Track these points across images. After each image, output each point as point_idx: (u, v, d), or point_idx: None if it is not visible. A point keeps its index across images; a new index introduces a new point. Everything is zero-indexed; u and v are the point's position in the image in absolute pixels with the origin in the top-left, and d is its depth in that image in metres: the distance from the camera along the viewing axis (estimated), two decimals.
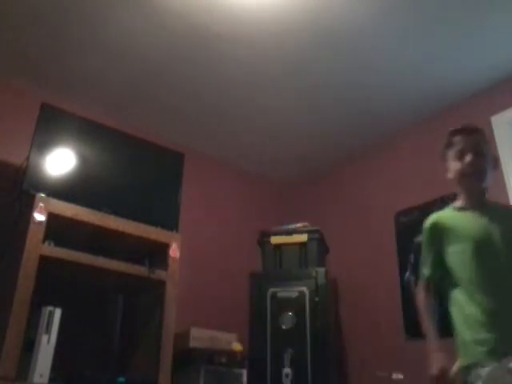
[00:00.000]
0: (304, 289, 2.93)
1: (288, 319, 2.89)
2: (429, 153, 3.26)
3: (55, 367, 2.13)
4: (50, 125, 2.54)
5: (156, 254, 2.64)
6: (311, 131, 3.55)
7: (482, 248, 1.69)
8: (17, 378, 2.00)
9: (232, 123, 3.50)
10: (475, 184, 1.80)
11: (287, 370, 2.75)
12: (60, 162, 2.54)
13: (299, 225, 3.29)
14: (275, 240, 3.23)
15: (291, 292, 2.95)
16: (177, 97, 3.22)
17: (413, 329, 2.95)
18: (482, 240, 1.70)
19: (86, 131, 2.69)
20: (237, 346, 2.92)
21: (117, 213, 2.53)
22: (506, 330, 1.54)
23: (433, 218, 1.86)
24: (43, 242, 2.25)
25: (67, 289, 2.56)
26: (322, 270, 3.01)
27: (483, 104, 3.01)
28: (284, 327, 2.88)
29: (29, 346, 2.10)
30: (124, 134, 2.86)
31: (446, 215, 1.86)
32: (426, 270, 1.85)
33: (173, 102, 3.28)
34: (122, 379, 2.38)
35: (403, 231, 3.22)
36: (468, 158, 1.77)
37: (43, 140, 2.49)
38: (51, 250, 2.27)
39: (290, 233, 3.24)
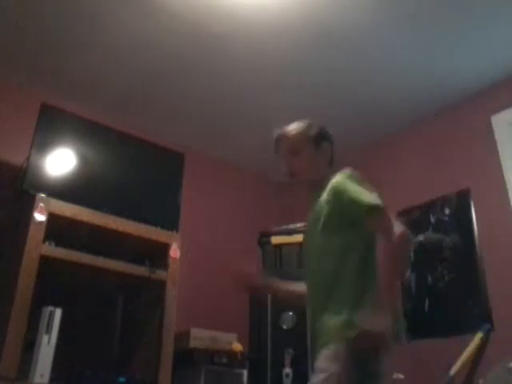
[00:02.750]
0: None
1: (288, 319, 2.89)
2: (429, 153, 3.27)
3: (55, 367, 2.13)
4: (50, 125, 2.54)
5: (156, 254, 2.64)
6: None
7: (304, 249, 1.79)
8: (17, 378, 2.00)
9: (232, 123, 3.50)
10: (300, 182, 1.81)
11: (287, 370, 2.75)
12: (60, 161, 2.54)
13: (299, 225, 3.28)
14: (275, 240, 3.23)
15: None
16: (177, 97, 3.22)
17: (413, 329, 2.96)
18: (304, 240, 1.79)
19: (86, 131, 2.69)
20: (237, 346, 2.92)
21: (117, 213, 2.53)
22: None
23: None
24: (43, 242, 2.25)
25: (67, 289, 2.56)
26: None
27: (483, 104, 3.01)
28: (284, 327, 2.88)
29: (29, 346, 2.10)
30: (124, 134, 2.86)
31: None
32: None
33: (173, 102, 3.27)
34: (122, 379, 2.39)
35: None
36: (284, 160, 1.78)
37: (43, 140, 2.49)
38: (51, 250, 2.28)
39: (289, 233, 3.23)
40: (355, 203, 1.54)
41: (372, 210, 1.52)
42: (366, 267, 1.53)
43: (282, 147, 1.80)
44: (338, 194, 1.59)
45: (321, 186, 1.70)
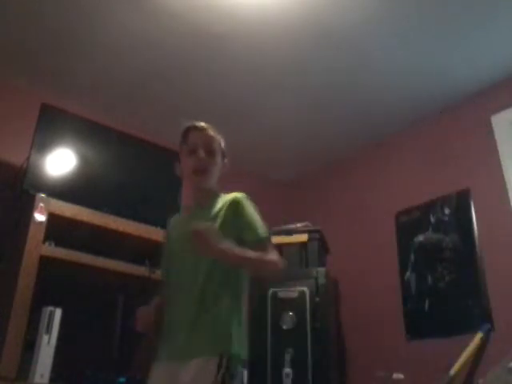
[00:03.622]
0: (305, 289, 2.93)
1: (288, 319, 2.88)
2: (429, 153, 3.27)
3: (55, 367, 2.13)
4: (50, 125, 2.54)
5: (156, 254, 2.64)
6: (311, 131, 3.54)
7: (178, 251, 1.72)
8: (17, 378, 2.00)
9: (232, 123, 3.50)
10: (202, 181, 1.77)
11: (288, 370, 2.75)
12: (60, 161, 2.54)
13: (299, 225, 3.29)
14: (275, 240, 3.21)
15: (292, 292, 2.95)
16: (177, 97, 3.22)
17: (413, 329, 2.96)
18: (180, 242, 1.71)
19: (86, 131, 2.69)
20: None
21: (117, 213, 2.53)
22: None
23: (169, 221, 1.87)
24: (43, 242, 2.25)
25: (67, 289, 2.56)
26: (322, 270, 3.01)
27: (483, 104, 3.01)
28: (284, 327, 2.88)
29: (29, 346, 2.10)
30: (124, 134, 2.86)
31: (175, 218, 1.87)
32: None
33: (173, 102, 3.27)
34: (122, 379, 2.39)
35: (403, 231, 3.22)
36: (199, 154, 1.74)
37: (43, 140, 2.49)
38: (51, 250, 2.28)
39: (290, 233, 3.23)
40: (254, 227, 1.64)
41: (266, 241, 1.64)
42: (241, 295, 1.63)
43: (199, 141, 1.76)
44: (240, 210, 1.66)
45: (209, 197, 1.75)
